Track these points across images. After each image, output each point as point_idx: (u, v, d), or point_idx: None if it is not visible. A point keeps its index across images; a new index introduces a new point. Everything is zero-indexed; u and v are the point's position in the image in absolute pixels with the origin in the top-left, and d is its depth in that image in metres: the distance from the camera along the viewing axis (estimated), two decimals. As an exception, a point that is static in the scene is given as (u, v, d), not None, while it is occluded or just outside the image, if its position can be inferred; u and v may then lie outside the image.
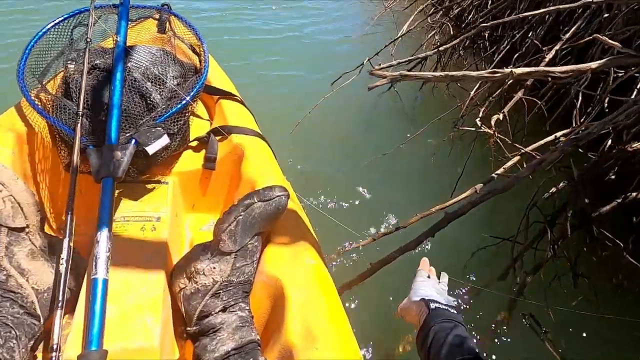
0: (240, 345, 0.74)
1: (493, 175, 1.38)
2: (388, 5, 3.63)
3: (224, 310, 0.79)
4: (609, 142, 1.57)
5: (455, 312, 0.66)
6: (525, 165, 1.45)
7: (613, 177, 1.59)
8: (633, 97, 1.59)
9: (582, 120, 1.67)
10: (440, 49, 1.85)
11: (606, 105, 1.66)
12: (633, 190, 1.48)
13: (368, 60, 2.32)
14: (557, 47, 1.75)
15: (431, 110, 2.34)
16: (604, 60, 1.21)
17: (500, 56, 2.40)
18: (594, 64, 1.22)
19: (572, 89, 1.86)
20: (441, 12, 2.76)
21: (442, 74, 1.31)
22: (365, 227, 1.72)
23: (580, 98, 1.76)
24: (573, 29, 1.85)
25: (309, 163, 2.09)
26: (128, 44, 1.10)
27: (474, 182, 1.35)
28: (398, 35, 2.52)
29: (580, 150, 1.66)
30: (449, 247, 1.62)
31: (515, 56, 2.39)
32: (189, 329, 0.81)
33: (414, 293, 0.71)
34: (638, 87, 1.63)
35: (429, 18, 2.93)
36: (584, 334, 1.36)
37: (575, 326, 1.36)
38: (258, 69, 3.00)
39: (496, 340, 1.36)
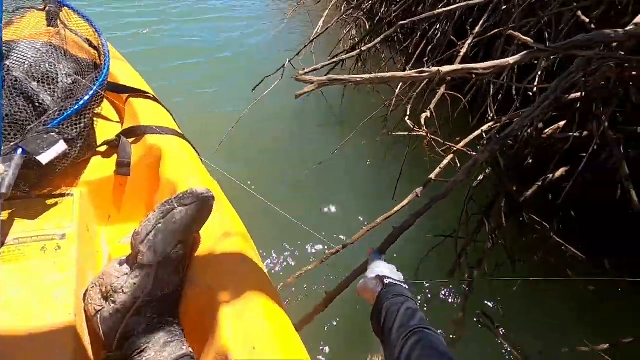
0: None
1: (430, 177, 1.36)
2: (301, 2, 3.53)
3: (148, 327, 0.73)
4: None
5: (406, 287, 0.70)
6: (458, 161, 1.48)
7: (531, 161, 1.70)
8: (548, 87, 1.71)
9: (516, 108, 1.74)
10: (363, 48, 1.80)
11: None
12: (550, 172, 1.60)
13: (289, 61, 2.20)
14: (469, 41, 1.81)
15: (359, 109, 2.32)
16: (520, 55, 1.25)
17: (416, 50, 2.45)
18: (512, 60, 1.25)
19: (491, 83, 1.96)
20: (353, 7, 2.73)
21: (370, 76, 1.24)
22: (310, 245, 1.61)
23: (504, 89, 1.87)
24: (481, 21, 1.94)
25: (240, 182, 1.91)
26: (6, 39, 0.94)
27: (412, 182, 1.33)
28: (314, 36, 2.43)
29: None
30: (396, 253, 1.60)
31: (429, 48, 2.47)
32: (109, 354, 0.73)
33: (370, 271, 0.77)
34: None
35: (343, 13, 2.89)
36: (529, 319, 1.45)
37: (520, 313, 1.43)
38: (168, 75, 2.69)
39: (452, 338, 1.37)
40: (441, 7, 2.57)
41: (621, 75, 1.58)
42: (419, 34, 2.59)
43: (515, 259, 1.51)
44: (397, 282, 0.71)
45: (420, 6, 2.80)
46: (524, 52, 1.27)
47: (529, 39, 1.24)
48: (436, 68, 1.23)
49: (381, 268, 0.77)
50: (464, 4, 1.58)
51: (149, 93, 1.24)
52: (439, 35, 2.45)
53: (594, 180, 1.66)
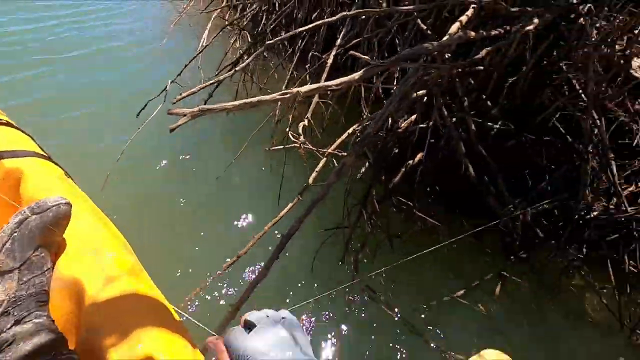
0: (39, 346, 0.73)
1: (309, 183, 1.55)
2: (183, 11, 3.47)
3: (16, 323, 0.77)
4: (390, 122, 1.98)
5: None
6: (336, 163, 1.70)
7: (397, 151, 2.01)
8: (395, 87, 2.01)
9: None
10: (237, 68, 1.91)
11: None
12: (409, 159, 1.92)
13: (171, 82, 2.20)
14: (333, 53, 2.04)
15: (250, 118, 2.42)
16: (362, 71, 1.48)
17: (303, 56, 2.63)
18: (357, 75, 1.48)
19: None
20: (236, 18, 2.81)
21: (240, 102, 1.36)
22: (210, 260, 1.70)
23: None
24: (342, 33, 2.18)
25: (136, 211, 1.90)
26: None
27: (299, 188, 1.50)
28: (198, 52, 2.46)
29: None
30: (290, 254, 1.76)
31: (310, 55, 2.68)
32: None
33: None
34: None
35: (226, 25, 2.94)
36: (408, 285, 1.74)
37: (401, 283, 1.72)
38: (41, 103, 2.48)
39: (349, 316, 1.61)
40: (315, 16, 2.81)
41: (450, 74, 1.94)
42: (300, 42, 2.78)
43: (392, 238, 1.80)
44: None
45: (299, 13, 3.00)
46: (364, 69, 1.51)
47: (366, 57, 1.48)
48: (296, 89, 1.40)
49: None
50: (322, 21, 1.77)
51: (2, 119, 1.18)
52: (316, 43, 2.67)
53: (446, 159, 2.04)
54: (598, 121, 1.91)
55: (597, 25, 1.98)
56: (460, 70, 1.94)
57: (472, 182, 1.87)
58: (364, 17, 2.27)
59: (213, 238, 1.85)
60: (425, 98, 2.00)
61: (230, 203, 2.00)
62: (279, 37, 1.87)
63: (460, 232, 1.91)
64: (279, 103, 2.03)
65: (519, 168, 1.98)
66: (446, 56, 1.94)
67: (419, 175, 1.87)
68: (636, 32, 2.11)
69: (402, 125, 1.91)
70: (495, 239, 1.90)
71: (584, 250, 1.85)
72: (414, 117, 1.95)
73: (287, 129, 1.83)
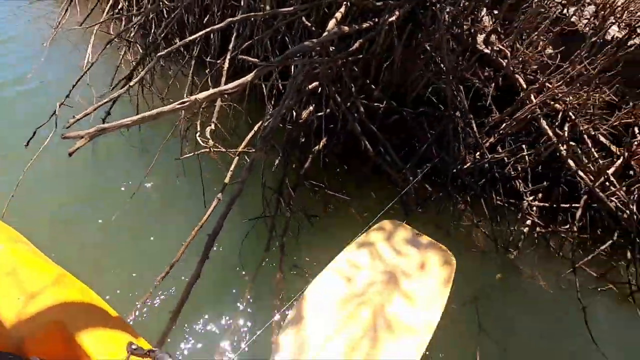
0: None
1: (225, 182, 1.66)
2: (57, 26, 3.20)
3: None
4: (294, 115, 2.17)
5: None
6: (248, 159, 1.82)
7: (303, 139, 2.21)
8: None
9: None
10: (131, 83, 1.90)
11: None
12: (315, 145, 2.13)
13: (60, 105, 2.10)
14: (228, 57, 2.14)
15: (157, 130, 2.40)
16: (253, 73, 1.62)
17: (192, 64, 2.65)
18: (249, 77, 1.62)
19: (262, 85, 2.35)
20: (121, 35, 2.70)
21: (139, 117, 1.40)
22: (143, 275, 1.73)
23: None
24: (235, 35, 2.29)
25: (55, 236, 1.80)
26: None
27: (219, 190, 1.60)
28: (85, 69, 2.34)
29: (281, 125, 2.19)
30: (220, 252, 1.86)
31: (208, 59, 2.72)
32: None
33: None
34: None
35: (113, 38, 2.81)
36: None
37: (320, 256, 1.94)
38: None
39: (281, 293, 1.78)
40: (207, 20, 2.85)
41: (336, 65, 2.18)
42: (195, 48, 2.79)
43: (310, 217, 2.00)
44: None
45: (191, 17, 2.99)
46: (256, 70, 1.65)
47: (254, 60, 1.63)
48: (194, 97, 1.49)
49: None
50: (209, 29, 1.86)
51: None
52: (212, 48, 2.72)
53: (348, 140, 2.30)
54: (457, 90, 2.33)
55: (447, 10, 2.38)
56: (344, 61, 2.19)
57: (370, 156, 2.15)
58: (252, 19, 2.39)
59: (141, 254, 1.85)
60: (320, 89, 2.22)
61: (151, 218, 2.00)
62: (170, 48, 1.92)
63: (371, 203, 2.20)
64: (182, 112, 2.07)
65: (407, 138, 2.33)
66: (331, 49, 2.18)
67: (326, 158, 2.10)
68: (477, 13, 2.60)
69: (303, 116, 2.11)
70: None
71: (466, 195, 2.27)
72: (312, 107, 2.16)
73: (197, 135, 1.89)
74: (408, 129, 2.29)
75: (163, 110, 1.48)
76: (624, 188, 2.11)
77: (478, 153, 2.27)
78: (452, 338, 1.61)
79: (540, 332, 1.80)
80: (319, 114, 2.15)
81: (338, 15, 2.03)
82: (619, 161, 2.20)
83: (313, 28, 2.33)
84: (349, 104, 2.21)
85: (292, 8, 2.06)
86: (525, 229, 2.18)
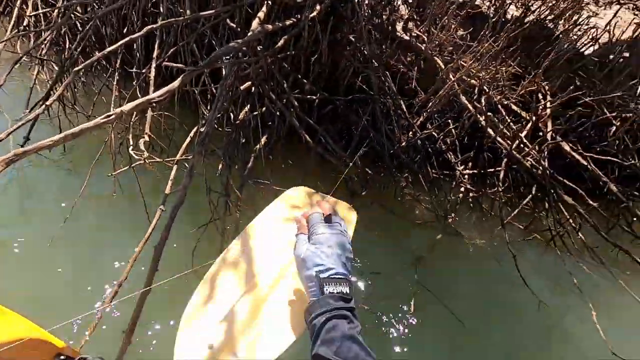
0: None
1: (166, 192, 1.64)
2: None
3: None
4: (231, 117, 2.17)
5: (347, 289, 0.61)
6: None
7: (244, 140, 2.23)
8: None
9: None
10: (48, 102, 1.78)
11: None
12: (255, 144, 2.16)
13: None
14: (154, 65, 2.09)
15: (88, 148, 2.27)
16: (180, 78, 1.61)
17: (116, 76, 2.54)
18: (176, 83, 1.61)
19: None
20: (31, 54, 2.51)
21: (61, 136, 1.34)
22: (88, 300, 1.65)
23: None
24: (157, 43, 2.23)
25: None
26: None
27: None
28: (-8, 93, 2.15)
29: (220, 129, 2.19)
30: (173, 262, 1.83)
31: (134, 69, 2.61)
32: None
33: (307, 260, 0.62)
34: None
35: (21, 56, 2.60)
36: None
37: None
38: None
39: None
40: (126, 30, 2.73)
41: (266, 64, 2.22)
42: (116, 59, 2.66)
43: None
44: (337, 280, 0.61)
45: (109, 28, 2.84)
46: (182, 75, 1.64)
47: (180, 65, 1.62)
48: (119, 109, 1.45)
49: (320, 256, 0.62)
50: (127, 39, 1.80)
51: None
52: (136, 58, 2.62)
53: (289, 135, 2.35)
54: (385, 75, 2.48)
55: (366, 2, 2.52)
56: (273, 58, 2.24)
57: (311, 148, 2.23)
58: (175, 25, 2.35)
59: (84, 278, 1.77)
60: (253, 88, 2.25)
61: (91, 240, 1.91)
62: (88, 61, 1.83)
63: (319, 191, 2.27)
64: (112, 126, 1.99)
65: (344, 127, 2.44)
66: (259, 48, 2.21)
67: (270, 155, 2.14)
68: (393, 3, 2.77)
69: (240, 117, 2.13)
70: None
71: (405, 172, 2.44)
72: (247, 107, 2.18)
73: (129, 149, 1.84)
74: (343, 118, 2.40)
75: (87, 126, 1.42)
76: (536, 147, 2.39)
77: (411, 132, 2.44)
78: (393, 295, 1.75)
79: (476, 281, 2.01)
80: (255, 113, 2.17)
81: (261, 14, 2.07)
82: (529, 125, 2.49)
83: (239, 29, 2.34)
84: (284, 100, 2.26)
85: (213, 11, 2.06)
86: (460, 196, 2.39)
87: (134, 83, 2.54)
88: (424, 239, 2.19)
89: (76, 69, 1.81)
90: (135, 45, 2.61)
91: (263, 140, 2.19)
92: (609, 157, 2.48)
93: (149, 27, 1.86)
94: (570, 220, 2.28)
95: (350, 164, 2.17)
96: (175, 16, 2.30)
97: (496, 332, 1.85)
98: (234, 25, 2.35)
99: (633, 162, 2.44)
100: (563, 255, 2.17)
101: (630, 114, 2.52)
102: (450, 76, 2.50)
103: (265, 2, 2.14)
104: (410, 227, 2.28)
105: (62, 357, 0.79)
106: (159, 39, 2.26)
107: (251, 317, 0.86)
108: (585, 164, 2.40)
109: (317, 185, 2.35)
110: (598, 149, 2.55)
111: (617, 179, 2.42)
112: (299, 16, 2.21)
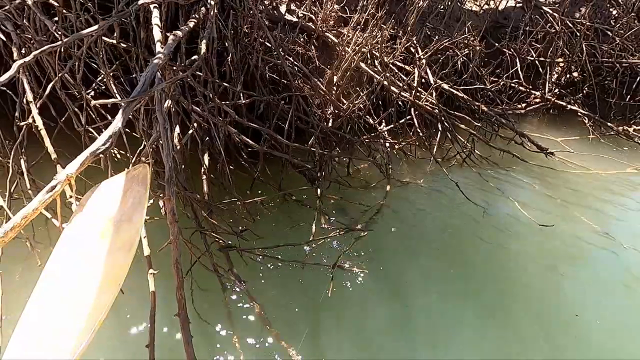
0: None
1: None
2: None
3: None
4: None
5: None
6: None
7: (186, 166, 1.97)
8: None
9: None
10: None
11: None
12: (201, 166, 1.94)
13: None
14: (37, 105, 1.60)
15: None
16: (119, 116, 1.32)
17: None
18: (118, 121, 1.31)
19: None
20: None
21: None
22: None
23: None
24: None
25: None
26: None
27: None
28: None
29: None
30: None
31: None
32: None
33: None
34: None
35: None
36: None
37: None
38: None
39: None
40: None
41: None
42: None
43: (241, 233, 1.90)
44: None
45: None
46: (122, 109, 1.35)
47: (115, 100, 1.32)
48: (64, 172, 1.13)
49: None
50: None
51: None
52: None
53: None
54: (295, 59, 2.50)
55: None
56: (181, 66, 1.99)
57: (258, 150, 2.14)
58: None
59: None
60: (172, 107, 1.97)
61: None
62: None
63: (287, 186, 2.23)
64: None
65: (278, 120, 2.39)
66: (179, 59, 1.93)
67: (224, 169, 1.97)
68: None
69: (176, 143, 1.86)
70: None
71: (344, 146, 2.59)
72: (177, 129, 1.92)
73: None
74: (273, 113, 2.35)
75: (30, 210, 1.06)
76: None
77: (331, 109, 2.57)
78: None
79: (428, 214, 2.40)
80: (189, 132, 1.94)
81: (155, 19, 1.79)
82: (415, 75, 2.93)
83: (120, 44, 1.97)
84: (213, 110, 2.07)
85: (95, 27, 1.68)
86: (388, 149, 2.68)
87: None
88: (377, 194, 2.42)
89: None
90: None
91: (206, 161, 1.98)
92: (475, 87, 3.19)
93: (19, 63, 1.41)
94: (466, 142, 2.87)
95: (288, 156, 2.18)
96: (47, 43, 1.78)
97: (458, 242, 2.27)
98: (114, 41, 1.96)
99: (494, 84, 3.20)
100: (476, 169, 2.75)
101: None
102: (347, 49, 2.70)
103: (154, 6, 1.85)
104: (366, 190, 2.47)
105: None
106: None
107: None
108: (462, 95, 3.02)
109: (281, 181, 2.29)
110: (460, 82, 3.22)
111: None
112: (196, 15, 2.00)
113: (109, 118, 1.93)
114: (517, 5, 3.82)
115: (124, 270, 0.93)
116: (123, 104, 1.34)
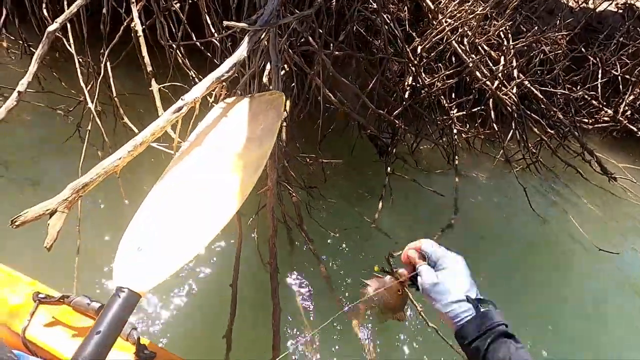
0: None
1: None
2: None
3: None
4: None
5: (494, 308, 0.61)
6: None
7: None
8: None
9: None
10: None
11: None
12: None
13: None
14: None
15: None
16: (245, 42, 1.24)
17: None
18: (243, 49, 1.23)
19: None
20: None
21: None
22: None
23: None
24: None
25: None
26: None
27: None
28: None
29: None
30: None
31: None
32: None
33: (450, 288, 0.61)
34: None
35: None
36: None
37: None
38: None
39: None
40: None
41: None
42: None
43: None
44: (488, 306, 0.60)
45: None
46: (248, 35, 1.24)
47: (243, 25, 1.21)
48: (191, 96, 1.08)
49: (460, 282, 0.62)
50: None
51: None
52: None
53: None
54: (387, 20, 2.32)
55: None
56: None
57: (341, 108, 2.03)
58: None
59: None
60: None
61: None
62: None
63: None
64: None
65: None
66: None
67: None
68: None
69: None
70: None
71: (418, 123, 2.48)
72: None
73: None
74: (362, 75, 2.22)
75: (155, 128, 1.00)
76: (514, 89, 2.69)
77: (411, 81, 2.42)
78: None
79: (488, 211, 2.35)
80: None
81: None
82: (501, 66, 2.75)
83: None
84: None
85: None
86: (455, 138, 2.57)
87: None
88: (439, 182, 2.36)
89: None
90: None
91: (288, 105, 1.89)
92: (552, 90, 3.01)
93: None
94: (532, 147, 2.76)
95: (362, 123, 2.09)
96: None
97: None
98: None
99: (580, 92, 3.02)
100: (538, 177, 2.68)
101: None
102: (442, 21, 2.49)
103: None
104: (428, 171, 2.41)
105: (41, 296, 0.73)
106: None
107: (177, 215, 0.87)
108: (542, 98, 2.86)
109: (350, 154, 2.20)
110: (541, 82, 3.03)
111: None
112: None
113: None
114: (618, 11, 3.53)
115: (247, 189, 0.91)
116: (250, 31, 1.25)
